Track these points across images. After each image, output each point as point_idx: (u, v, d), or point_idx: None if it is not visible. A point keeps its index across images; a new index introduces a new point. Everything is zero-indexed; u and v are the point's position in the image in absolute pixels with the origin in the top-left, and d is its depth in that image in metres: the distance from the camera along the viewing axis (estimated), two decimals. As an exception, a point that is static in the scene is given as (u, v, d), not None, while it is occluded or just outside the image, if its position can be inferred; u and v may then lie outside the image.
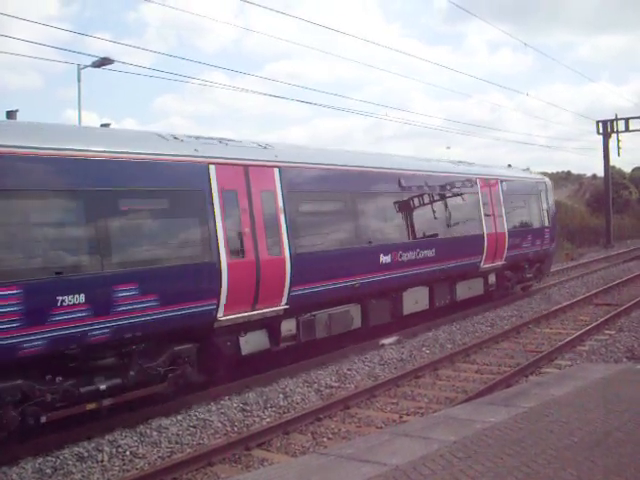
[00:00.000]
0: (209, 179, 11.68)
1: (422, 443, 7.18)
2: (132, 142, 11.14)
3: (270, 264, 12.56)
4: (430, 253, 17.42)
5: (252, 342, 12.56)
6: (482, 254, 20.10)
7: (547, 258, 25.31)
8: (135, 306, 10.19)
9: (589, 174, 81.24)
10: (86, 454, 9.25)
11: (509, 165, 25.79)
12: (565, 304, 21.01)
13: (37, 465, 8.86)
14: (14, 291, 8.78)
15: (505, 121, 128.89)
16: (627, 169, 77.42)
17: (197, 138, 12.46)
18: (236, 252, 11.92)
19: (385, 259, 15.70)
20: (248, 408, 11.22)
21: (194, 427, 10.35)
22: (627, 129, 49.35)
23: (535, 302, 21.95)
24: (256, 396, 11.79)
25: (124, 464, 9.08)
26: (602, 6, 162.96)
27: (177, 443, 9.76)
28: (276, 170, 13.12)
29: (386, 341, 15.94)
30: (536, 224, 23.99)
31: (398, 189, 16.88)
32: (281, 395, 11.90)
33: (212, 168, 11.78)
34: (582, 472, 6.02)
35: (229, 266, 11.67)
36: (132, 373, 10.51)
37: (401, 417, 10.70)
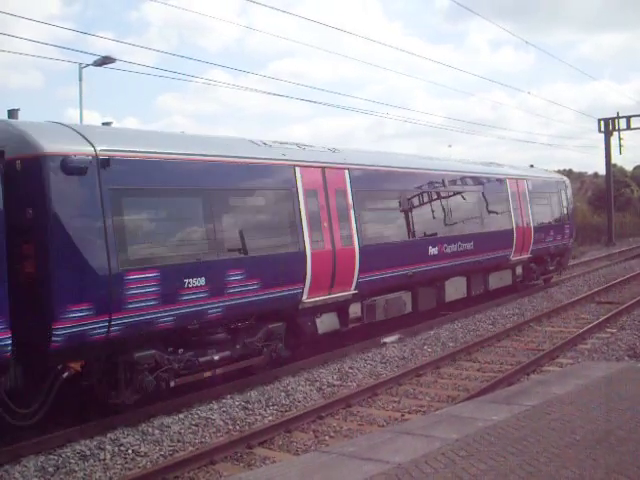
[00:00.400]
0: (295, 180, 13.56)
1: (424, 441, 7.19)
2: (235, 148, 13.04)
3: (344, 253, 14.48)
4: (469, 246, 19.34)
5: (326, 322, 14.48)
6: (512, 247, 21.97)
7: (567, 252, 27.28)
8: (242, 288, 11.96)
9: (591, 172, 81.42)
10: (88, 452, 9.26)
11: (531, 165, 27.93)
12: (567, 302, 21.02)
13: (39, 463, 8.87)
14: (153, 274, 10.47)
15: (507, 119, 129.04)
16: (629, 167, 77.57)
17: (281, 143, 14.43)
18: (317, 243, 13.79)
19: (433, 251, 17.65)
20: (250, 406, 11.23)
21: (196, 425, 10.36)
22: (629, 127, 49.31)
23: (537, 300, 21.96)
24: (258, 394, 11.80)
25: (126, 462, 9.08)
26: (603, 4, 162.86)
27: (179, 441, 9.77)
28: (346, 171, 15.08)
29: (388, 339, 15.96)
30: (557, 220, 25.80)
31: (442, 188, 18.85)
32: (283, 393, 11.91)
33: (297, 170, 13.67)
34: (584, 470, 6.03)
35: (312, 255, 13.56)
36: (238, 347, 12.35)
37: (403, 415, 10.70)
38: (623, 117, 49.40)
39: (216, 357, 11.86)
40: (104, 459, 9.12)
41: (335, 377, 12.97)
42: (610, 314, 18.25)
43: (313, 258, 13.50)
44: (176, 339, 11.27)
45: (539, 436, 7.09)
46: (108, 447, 9.44)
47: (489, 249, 20.44)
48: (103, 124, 14.36)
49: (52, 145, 9.65)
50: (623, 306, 19.37)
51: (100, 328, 9.78)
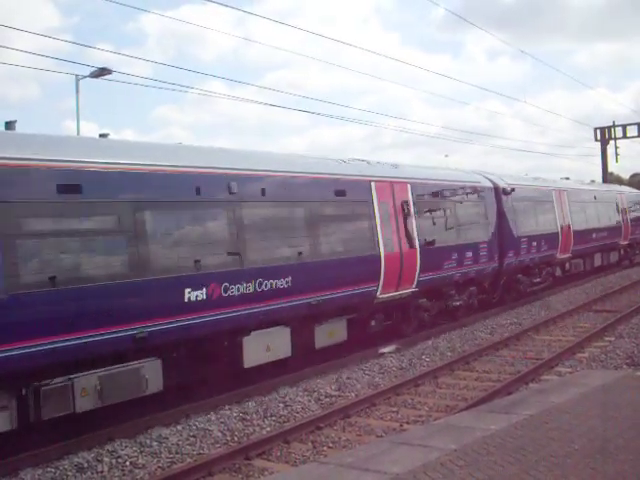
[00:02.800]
0: (371, 192, 16.01)
1: (422, 451, 7.18)
2: (327, 166, 15.63)
3: (408, 255, 16.96)
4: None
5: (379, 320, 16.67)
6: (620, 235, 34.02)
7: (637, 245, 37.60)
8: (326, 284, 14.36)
9: (587, 181, 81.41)
10: (86, 465, 9.21)
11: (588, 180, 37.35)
12: (564, 311, 21.03)
13: (37, 476, 8.83)
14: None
15: (503, 128, 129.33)
16: (625, 175, 77.72)
17: (353, 160, 16.95)
18: (388, 246, 16.14)
19: (468, 254, 19.80)
20: (248, 417, 11.20)
21: (194, 437, 10.32)
22: (625, 136, 49.54)
23: (534, 309, 21.96)
24: (256, 405, 11.77)
25: (124, 474, 9.04)
26: (598, 14, 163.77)
27: (177, 453, 9.73)
28: (409, 185, 17.53)
29: (385, 349, 15.94)
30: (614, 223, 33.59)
31: (471, 198, 20.99)
32: (281, 404, 11.88)
33: (373, 184, 16.13)
34: (583, 479, 6.02)
35: (385, 257, 15.92)
36: None
37: (401, 425, 10.68)
38: (619, 125, 49.62)
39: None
40: (102, 471, 9.08)
41: (333, 387, 12.94)
42: (608, 322, 18.27)
43: (385, 259, 15.99)
44: None
45: (538, 445, 7.08)
46: (106, 459, 9.40)
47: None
48: (100, 135, 14.34)
49: None
50: (621, 314, 19.39)
51: None
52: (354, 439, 10.14)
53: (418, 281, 17.18)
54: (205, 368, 12.25)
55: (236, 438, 10.35)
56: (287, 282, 13.16)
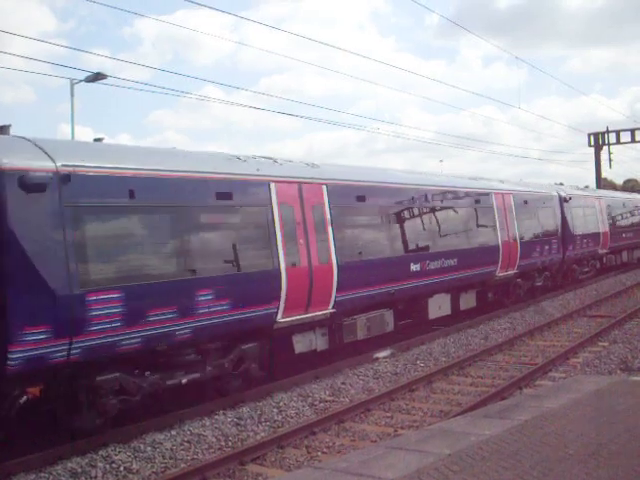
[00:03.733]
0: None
1: (417, 456, 7.17)
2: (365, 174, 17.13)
3: (513, 246, 22.73)
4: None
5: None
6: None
7: None
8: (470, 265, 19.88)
9: (582, 186, 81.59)
10: (79, 470, 9.18)
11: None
12: (558, 316, 21.08)
13: (30, 481, 8.80)
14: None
15: (499, 134, 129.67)
16: (619, 181, 77.97)
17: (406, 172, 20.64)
18: (504, 238, 22.21)
19: (546, 247, 25.63)
20: (242, 422, 11.18)
21: (188, 442, 10.30)
22: (618, 142, 49.75)
23: (529, 315, 21.98)
24: (250, 410, 11.75)
25: (118, 480, 9.03)
26: (592, 21, 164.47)
27: (171, 458, 9.71)
28: (507, 194, 22.96)
29: (380, 354, 15.93)
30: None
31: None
32: (275, 409, 11.86)
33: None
34: (577, 484, 6.03)
35: (502, 247, 21.81)
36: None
37: (396, 430, 10.68)
38: (613, 131, 49.85)
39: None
40: (95, 477, 9.05)
41: (327, 393, 12.93)
42: (602, 328, 18.31)
43: (503, 249, 21.81)
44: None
45: (532, 450, 7.09)
46: (100, 464, 9.37)
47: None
48: (95, 140, 14.30)
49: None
50: (615, 320, 19.45)
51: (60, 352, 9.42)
52: (348, 444, 10.14)
53: (519, 265, 22.89)
54: (410, 317, 17.94)
55: (230, 443, 10.34)
56: (454, 262, 18.84)
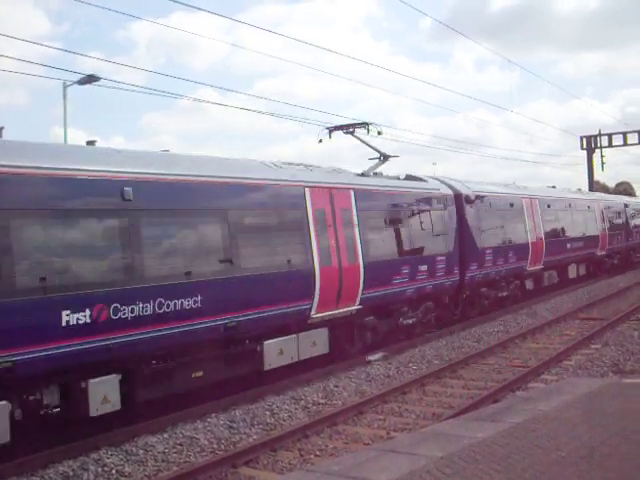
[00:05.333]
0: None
1: (409, 459, 7.17)
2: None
3: (537, 245, 25.59)
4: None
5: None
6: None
7: None
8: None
9: (574, 189, 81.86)
10: (71, 473, 9.14)
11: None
12: (551, 319, 21.11)
13: (21, 485, 8.76)
14: None
15: (492, 137, 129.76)
16: (611, 184, 78.21)
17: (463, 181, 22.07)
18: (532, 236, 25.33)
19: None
20: (235, 425, 11.15)
21: (180, 445, 10.27)
22: (610, 144, 49.91)
23: (521, 317, 22.03)
24: (242, 413, 11.73)
25: (110, 483, 8.99)
26: (584, 25, 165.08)
27: (163, 461, 9.68)
28: (537, 200, 26.58)
29: (372, 357, 15.93)
30: None
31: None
32: (268, 412, 11.84)
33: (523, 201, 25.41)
34: (569, 487, 6.03)
35: (532, 245, 25.03)
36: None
37: (388, 433, 10.67)
38: (605, 134, 50.04)
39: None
40: (87, 480, 9.02)
41: (320, 395, 12.92)
42: (594, 330, 18.35)
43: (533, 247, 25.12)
44: None
45: (524, 453, 7.09)
46: (92, 467, 9.33)
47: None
48: (87, 142, 14.31)
49: None
50: (607, 322, 19.49)
51: None
52: (341, 447, 10.12)
53: (544, 261, 25.92)
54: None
55: (223, 446, 10.31)
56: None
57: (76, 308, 9.57)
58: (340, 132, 17.94)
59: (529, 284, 25.40)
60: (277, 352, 13.15)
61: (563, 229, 29.18)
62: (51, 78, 59.18)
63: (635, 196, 57.92)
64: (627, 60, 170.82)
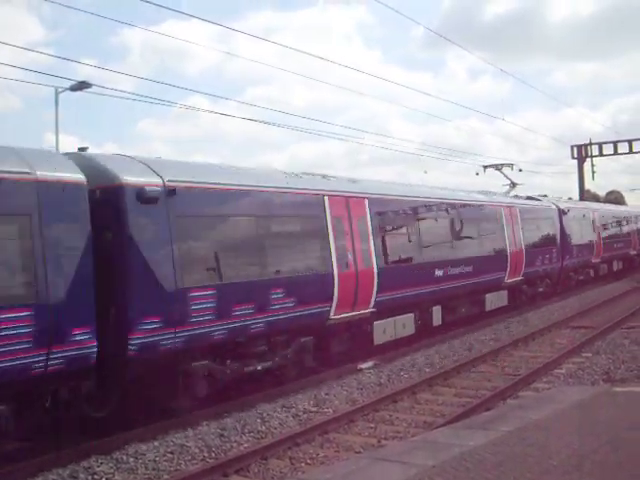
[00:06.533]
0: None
1: (400, 468, 7.17)
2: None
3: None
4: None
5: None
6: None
7: None
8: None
9: (565, 198, 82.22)
10: (61, 481, 9.09)
11: None
12: (542, 327, 21.14)
13: (10, 493, 8.71)
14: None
15: (484, 146, 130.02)
16: (602, 193, 78.54)
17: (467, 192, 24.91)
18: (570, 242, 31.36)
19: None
20: (226, 433, 11.12)
21: (171, 453, 10.22)
22: (601, 153, 50.14)
23: (513, 325, 22.06)
24: (234, 421, 11.70)
25: (100, 491, 8.94)
26: (576, 34, 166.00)
27: (154, 469, 9.63)
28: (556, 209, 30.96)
29: (364, 365, 15.92)
30: None
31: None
32: (259, 420, 11.81)
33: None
34: (560, 496, 6.03)
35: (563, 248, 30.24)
36: None
37: (379, 441, 10.65)
38: (595, 144, 50.27)
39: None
40: (77, 488, 8.97)
41: (311, 403, 12.89)
42: (585, 339, 18.38)
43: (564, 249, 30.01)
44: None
45: (516, 462, 7.10)
46: (82, 476, 9.28)
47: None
48: (79, 149, 14.23)
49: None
50: (598, 331, 19.53)
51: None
52: (332, 455, 10.09)
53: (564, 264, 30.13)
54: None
55: (214, 454, 10.26)
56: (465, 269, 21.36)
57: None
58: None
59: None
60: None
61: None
62: (45, 85, 58.63)
63: (625, 204, 57.87)
64: (618, 69, 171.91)
